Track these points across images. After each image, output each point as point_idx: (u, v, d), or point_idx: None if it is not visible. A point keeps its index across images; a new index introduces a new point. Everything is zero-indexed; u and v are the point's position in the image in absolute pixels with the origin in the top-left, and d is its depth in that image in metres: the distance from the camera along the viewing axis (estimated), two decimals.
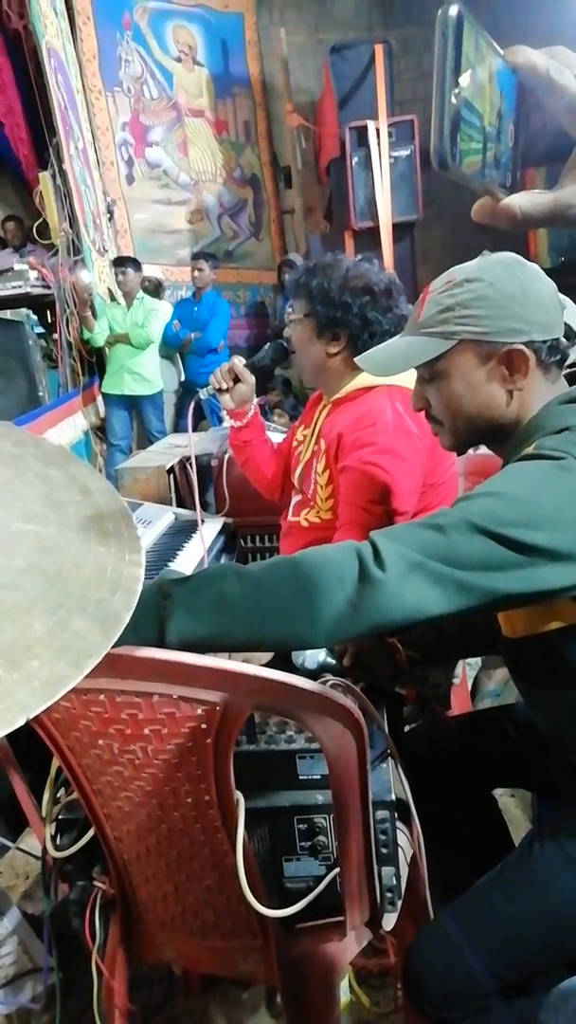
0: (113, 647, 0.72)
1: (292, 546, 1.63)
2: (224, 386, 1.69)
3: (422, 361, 1.04)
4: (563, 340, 1.01)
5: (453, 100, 0.41)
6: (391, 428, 1.45)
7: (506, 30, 0.52)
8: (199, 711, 0.83)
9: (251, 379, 1.70)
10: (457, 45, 0.41)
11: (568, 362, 1.04)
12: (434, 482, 1.51)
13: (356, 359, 1.20)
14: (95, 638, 0.58)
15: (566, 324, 1.02)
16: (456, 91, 0.41)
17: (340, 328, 1.52)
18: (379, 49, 4.92)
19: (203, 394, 1.74)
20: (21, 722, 0.49)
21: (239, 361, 1.71)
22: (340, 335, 1.53)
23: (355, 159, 4.85)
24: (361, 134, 4.83)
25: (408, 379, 1.48)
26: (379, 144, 4.81)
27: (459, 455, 1.27)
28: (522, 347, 0.97)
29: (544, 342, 0.98)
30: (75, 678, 0.54)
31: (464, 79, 0.42)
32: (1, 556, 0.61)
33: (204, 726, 0.84)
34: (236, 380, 1.70)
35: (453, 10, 0.41)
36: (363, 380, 1.54)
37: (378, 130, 4.80)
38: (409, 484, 1.44)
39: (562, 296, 1.05)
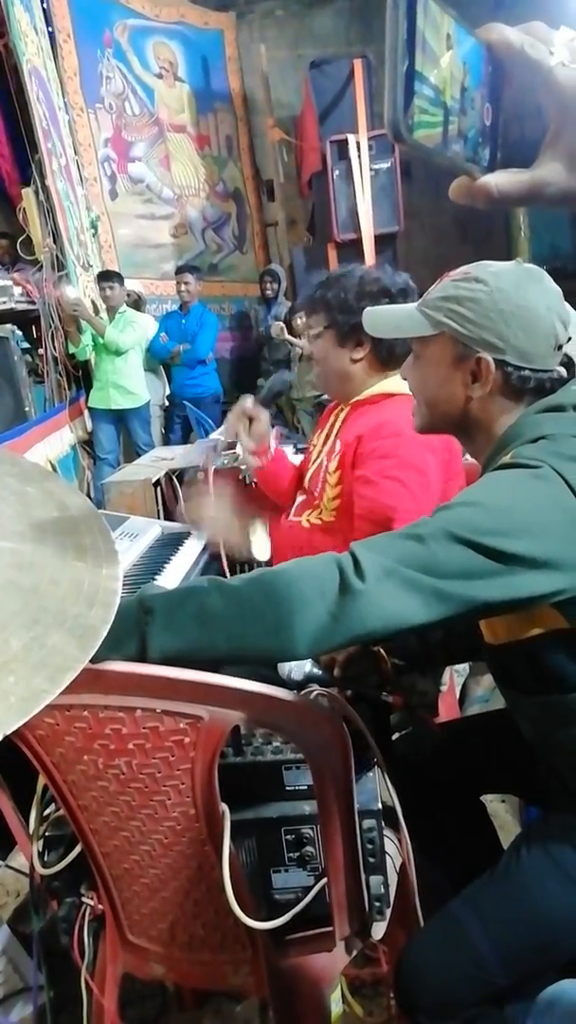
0: (96, 663, 0.72)
1: (286, 544, 1.62)
2: (241, 435, 1.67)
3: (407, 335, 1.07)
4: (556, 372, 0.99)
5: (403, 71, 0.41)
6: (412, 441, 1.44)
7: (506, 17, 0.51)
8: (182, 724, 0.83)
9: (264, 415, 1.69)
10: (409, 16, 0.41)
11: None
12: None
13: (365, 311, 1.19)
14: (72, 652, 0.59)
15: (567, 356, 1.00)
16: (407, 63, 0.41)
17: (362, 333, 1.52)
18: (358, 64, 4.98)
19: (225, 460, 1.69)
20: None
21: (249, 401, 1.69)
22: (363, 340, 1.54)
23: (336, 172, 4.89)
24: (342, 147, 4.87)
25: None
26: (359, 157, 4.85)
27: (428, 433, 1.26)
28: (491, 361, 0.98)
29: (518, 368, 0.98)
30: (52, 693, 0.54)
31: (417, 52, 0.41)
32: None
33: (188, 739, 0.84)
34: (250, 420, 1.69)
35: None
36: (385, 386, 1.56)
37: (358, 143, 4.85)
38: (426, 495, 1.43)
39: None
